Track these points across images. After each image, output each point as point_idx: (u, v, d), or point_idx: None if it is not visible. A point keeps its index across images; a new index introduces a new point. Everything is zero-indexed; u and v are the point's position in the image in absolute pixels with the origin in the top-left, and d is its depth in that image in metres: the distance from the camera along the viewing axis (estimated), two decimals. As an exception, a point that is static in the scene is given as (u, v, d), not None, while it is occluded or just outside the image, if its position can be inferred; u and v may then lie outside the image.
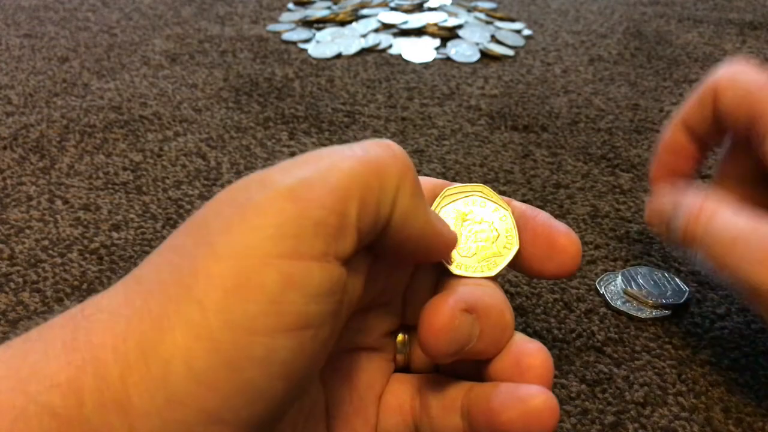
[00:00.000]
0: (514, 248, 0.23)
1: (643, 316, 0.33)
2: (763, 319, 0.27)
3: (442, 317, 0.20)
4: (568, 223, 0.40)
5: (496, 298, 0.22)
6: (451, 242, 0.22)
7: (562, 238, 0.22)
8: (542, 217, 0.23)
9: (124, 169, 0.46)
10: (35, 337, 0.17)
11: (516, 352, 0.21)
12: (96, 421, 0.15)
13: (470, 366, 0.22)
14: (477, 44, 0.67)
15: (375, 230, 0.19)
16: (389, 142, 0.20)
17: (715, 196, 0.27)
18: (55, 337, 0.16)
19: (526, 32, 0.73)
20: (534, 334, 0.32)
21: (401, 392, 0.23)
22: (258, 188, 0.17)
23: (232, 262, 0.16)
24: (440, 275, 0.23)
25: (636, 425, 0.27)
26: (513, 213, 0.23)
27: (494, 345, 0.21)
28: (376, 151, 0.19)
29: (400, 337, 0.24)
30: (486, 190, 0.24)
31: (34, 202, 0.42)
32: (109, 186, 0.44)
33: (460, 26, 0.70)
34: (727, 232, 0.25)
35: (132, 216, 0.41)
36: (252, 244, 0.16)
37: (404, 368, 0.24)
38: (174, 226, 0.40)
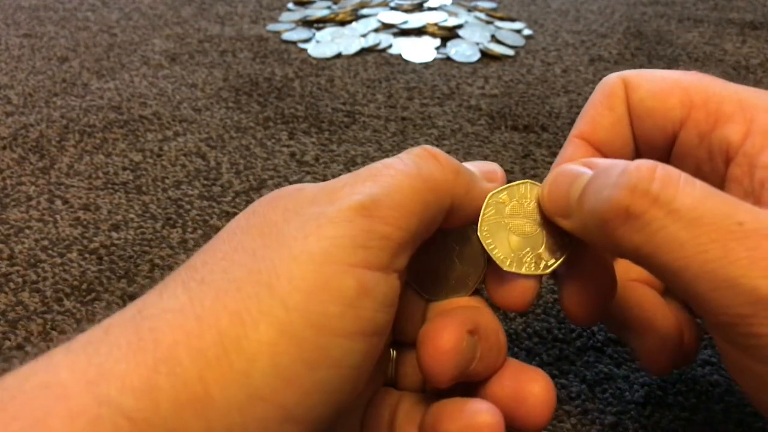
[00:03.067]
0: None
1: (643, 316, 0.33)
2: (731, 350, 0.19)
3: (449, 339, 0.20)
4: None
5: (493, 319, 0.22)
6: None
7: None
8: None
9: (124, 169, 0.46)
10: (96, 339, 0.16)
11: (516, 378, 0.21)
12: (172, 422, 0.15)
13: (462, 390, 0.22)
14: (477, 44, 0.67)
15: (428, 235, 0.20)
16: (432, 150, 0.20)
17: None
18: (118, 337, 0.16)
19: (526, 32, 0.72)
20: (534, 334, 0.32)
21: (383, 407, 0.23)
22: (328, 202, 0.18)
23: (313, 266, 0.17)
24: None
25: (636, 425, 0.27)
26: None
27: (490, 367, 0.21)
28: (427, 168, 0.20)
29: (390, 352, 0.24)
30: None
31: (33, 202, 0.42)
32: (109, 186, 0.44)
33: (460, 26, 0.70)
34: (697, 209, 0.17)
35: (132, 216, 0.41)
36: (329, 251, 0.17)
37: (391, 384, 0.24)
38: (174, 226, 0.40)
